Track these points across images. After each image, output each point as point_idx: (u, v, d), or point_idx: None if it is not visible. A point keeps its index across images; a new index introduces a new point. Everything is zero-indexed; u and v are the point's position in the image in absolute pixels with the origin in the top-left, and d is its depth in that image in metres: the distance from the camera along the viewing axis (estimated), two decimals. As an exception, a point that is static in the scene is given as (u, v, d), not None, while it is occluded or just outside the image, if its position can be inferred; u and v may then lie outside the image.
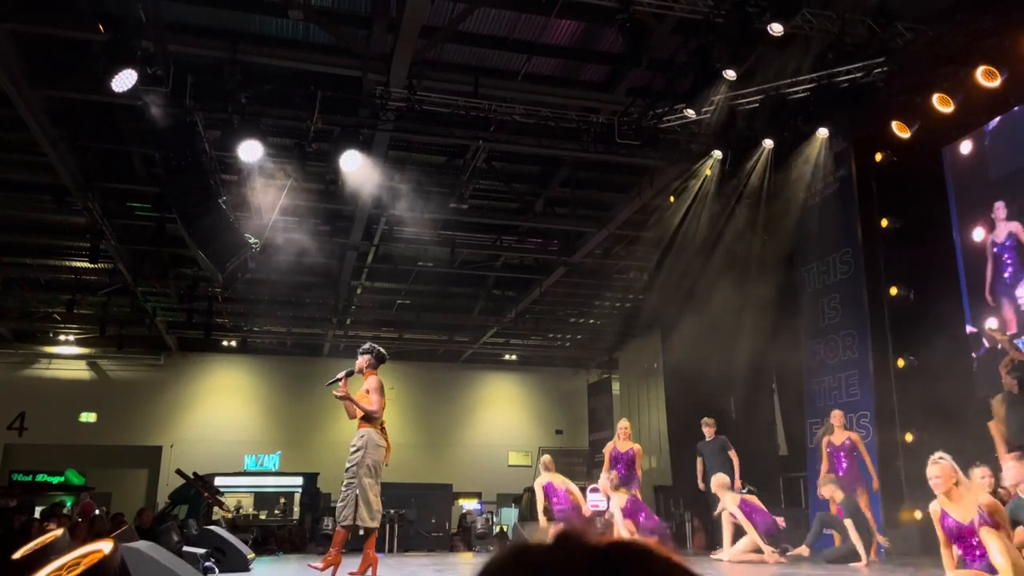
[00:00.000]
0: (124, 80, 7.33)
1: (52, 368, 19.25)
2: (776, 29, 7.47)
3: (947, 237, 9.35)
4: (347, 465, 6.32)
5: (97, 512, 13.55)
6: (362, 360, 6.62)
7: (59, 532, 5.27)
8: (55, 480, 18.21)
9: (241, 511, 15.74)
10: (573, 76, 9.89)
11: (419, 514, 14.61)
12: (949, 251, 9.28)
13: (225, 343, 19.29)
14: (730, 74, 8.19)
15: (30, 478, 18.04)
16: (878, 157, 9.75)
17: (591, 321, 18.89)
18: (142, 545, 4.88)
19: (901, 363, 9.46)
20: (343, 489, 6.27)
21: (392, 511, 13.35)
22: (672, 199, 11.29)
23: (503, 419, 21.68)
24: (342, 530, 6.24)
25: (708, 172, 10.46)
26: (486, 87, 9.39)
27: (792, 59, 8.72)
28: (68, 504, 15.84)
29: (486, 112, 9.40)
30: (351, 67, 8.86)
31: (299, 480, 17.66)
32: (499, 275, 15.71)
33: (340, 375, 6.37)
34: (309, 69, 8.97)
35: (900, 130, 8.96)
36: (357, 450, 6.32)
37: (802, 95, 8.90)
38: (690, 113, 9.20)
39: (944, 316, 9.09)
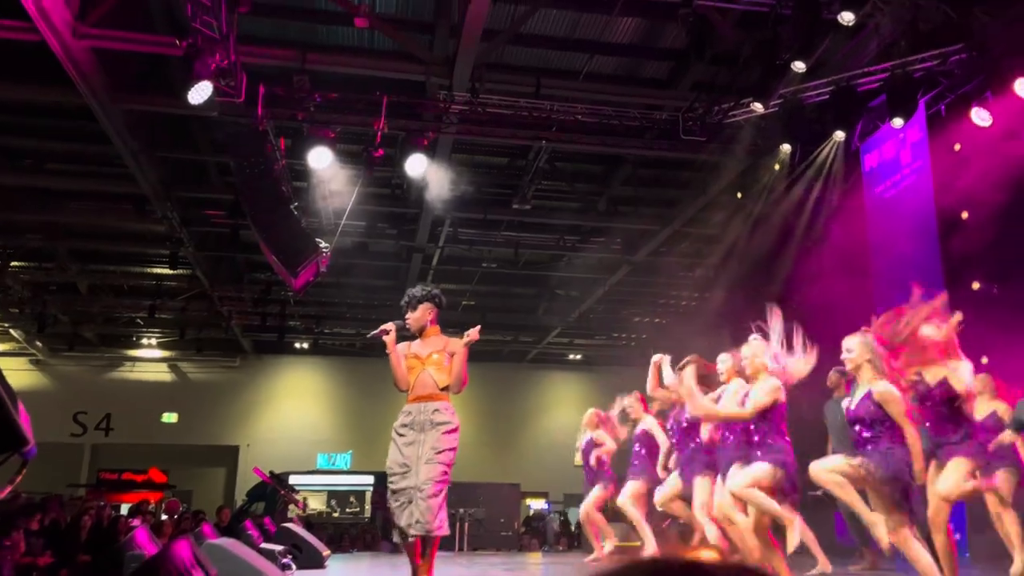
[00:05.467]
0: (200, 92, 7.59)
1: (136, 371, 20.02)
2: (847, 18, 7.28)
3: (1033, 228, 8.93)
4: (440, 447, 4.42)
5: (181, 510, 14.06)
6: (424, 310, 4.78)
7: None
8: (139, 478, 18.97)
9: (307, 508, 16.10)
10: (635, 74, 9.82)
11: (488, 513, 14.70)
12: (1035, 243, 8.85)
13: (297, 345, 19.76)
14: (799, 66, 7.99)
15: (117, 476, 18.84)
16: (956, 147, 9.38)
17: (656, 320, 18.68)
18: (226, 542, 5.06)
19: (985, 360, 9.07)
20: (439, 479, 4.38)
21: (462, 510, 13.47)
22: (739, 195, 11.08)
23: (569, 419, 21.49)
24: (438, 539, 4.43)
25: (777, 166, 10.24)
26: (548, 87, 9.40)
27: (863, 48, 8.48)
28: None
29: (548, 112, 9.42)
30: (415, 72, 9.00)
31: (370, 479, 17.97)
32: (562, 275, 15.70)
33: (387, 327, 4.76)
34: (374, 75, 9.14)
35: (979, 119, 8.61)
36: (453, 429, 4.51)
37: (875, 86, 8.64)
38: (758, 107, 9.02)
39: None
